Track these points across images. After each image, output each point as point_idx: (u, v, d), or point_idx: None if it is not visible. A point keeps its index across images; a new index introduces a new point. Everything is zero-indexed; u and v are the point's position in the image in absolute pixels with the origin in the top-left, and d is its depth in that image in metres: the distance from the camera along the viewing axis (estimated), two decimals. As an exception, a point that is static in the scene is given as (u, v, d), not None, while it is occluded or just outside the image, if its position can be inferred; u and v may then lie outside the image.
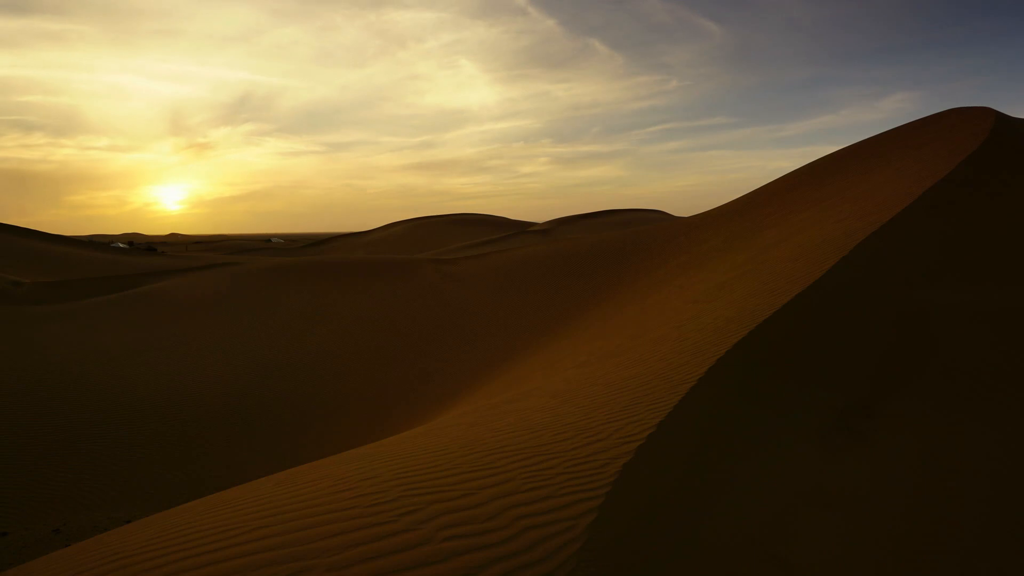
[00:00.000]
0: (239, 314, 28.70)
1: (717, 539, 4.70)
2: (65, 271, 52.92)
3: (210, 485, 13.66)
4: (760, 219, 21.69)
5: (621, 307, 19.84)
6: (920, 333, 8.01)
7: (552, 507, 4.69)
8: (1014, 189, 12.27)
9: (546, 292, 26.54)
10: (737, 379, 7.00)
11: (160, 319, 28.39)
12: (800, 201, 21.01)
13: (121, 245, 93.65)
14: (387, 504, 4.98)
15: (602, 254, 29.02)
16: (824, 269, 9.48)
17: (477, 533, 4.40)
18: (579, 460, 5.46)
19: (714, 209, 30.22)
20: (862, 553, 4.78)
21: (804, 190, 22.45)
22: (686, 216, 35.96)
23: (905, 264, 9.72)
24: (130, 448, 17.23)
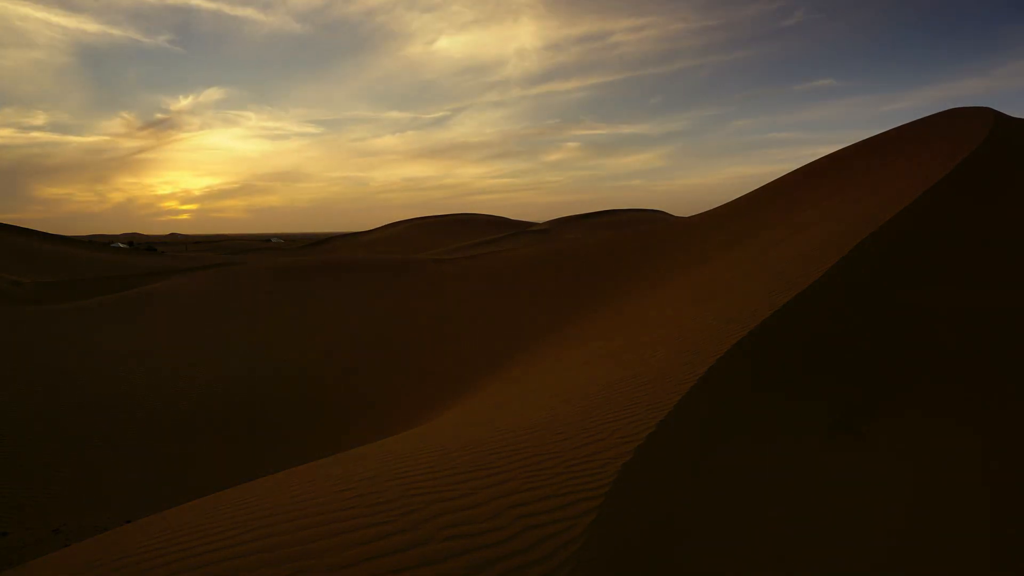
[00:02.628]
0: (240, 314, 28.71)
1: (718, 539, 4.70)
2: (66, 271, 52.97)
3: (210, 485, 13.68)
4: (761, 219, 21.68)
5: (621, 307, 19.84)
6: (920, 333, 8.01)
7: (552, 507, 4.69)
8: (1012, 190, 12.27)
9: (546, 292, 26.56)
10: (738, 379, 7.00)
11: (161, 319, 28.41)
12: (800, 201, 21.01)
13: (121, 245, 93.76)
14: (387, 504, 4.98)
15: (602, 254, 29.02)
16: (824, 269, 9.48)
17: (477, 533, 4.40)
18: (579, 460, 5.46)
19: (715, 209, 30.22)
20: (863, 552, 4.78)
21: (804, 190, 22.45)
22: (686, 217, 35.96)
23: (905, 265, 9.71)
24: (131, 448, 17.24)
